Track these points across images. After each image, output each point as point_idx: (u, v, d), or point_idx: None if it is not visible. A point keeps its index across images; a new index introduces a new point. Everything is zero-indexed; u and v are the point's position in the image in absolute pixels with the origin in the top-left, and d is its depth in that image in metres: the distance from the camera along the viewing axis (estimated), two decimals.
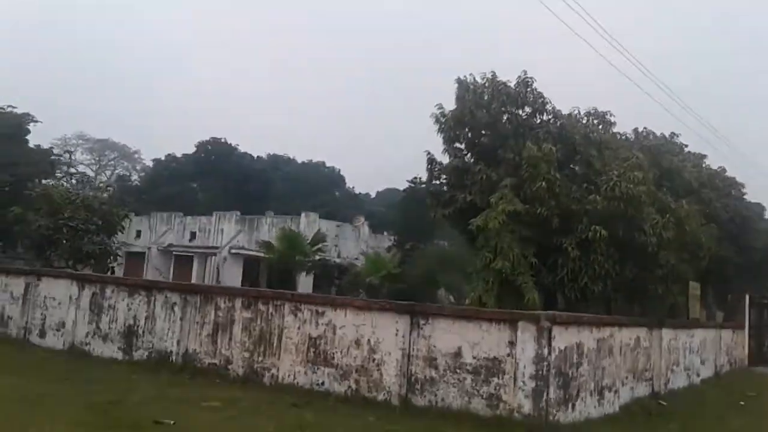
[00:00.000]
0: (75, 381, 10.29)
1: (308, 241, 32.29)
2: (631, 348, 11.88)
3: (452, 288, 31.32)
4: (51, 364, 11.89)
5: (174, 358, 11.99)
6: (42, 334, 14.23)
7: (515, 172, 13.15)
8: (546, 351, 8.57)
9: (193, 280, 34.17)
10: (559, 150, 13.37)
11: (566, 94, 16.12)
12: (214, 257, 37.88)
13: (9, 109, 36.46)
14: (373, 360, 9.76)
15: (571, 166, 14.44)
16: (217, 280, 34.04)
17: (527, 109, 14.42)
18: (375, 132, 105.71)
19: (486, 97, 14.25)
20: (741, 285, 27.08)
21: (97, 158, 66.75)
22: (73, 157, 51.77)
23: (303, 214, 39.13)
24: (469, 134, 14.46)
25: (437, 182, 15.20)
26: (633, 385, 11.98)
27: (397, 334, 9.62)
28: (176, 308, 12.21)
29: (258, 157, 64.20)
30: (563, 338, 9.06)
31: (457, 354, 9.14)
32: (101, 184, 20.09)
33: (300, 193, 61.44)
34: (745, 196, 26.55)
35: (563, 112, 14.72)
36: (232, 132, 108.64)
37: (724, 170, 25.18)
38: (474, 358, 9.01)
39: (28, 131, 39.18)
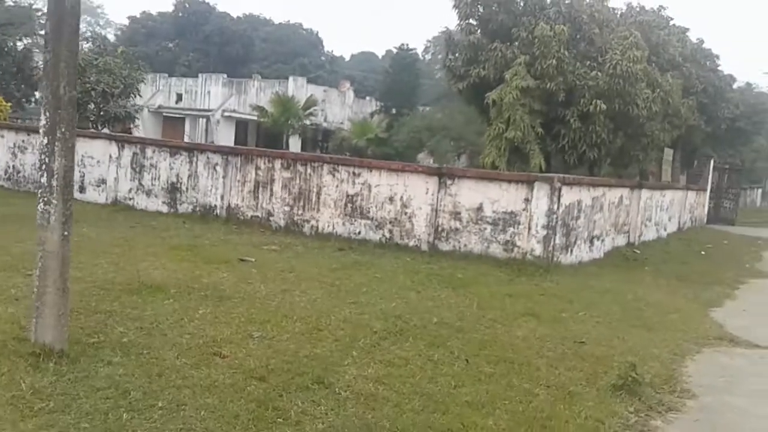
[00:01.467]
0: (145, 227, 11.86)
1: (300, 106, 33.21)
2: (616, 205, 13.85)
3: (438, 151, 33.02)
4: (107, 215, 13.30)
5: (218, 211, 13.57)
6: (82, 189, 15.50)
7: (528, 50, 14.37)
8: (556, 206, 10.38)
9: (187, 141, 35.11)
10: (567, 29, 14.56)
11: None
12: (203, 119, 38.60)
13: None
14: (405, 213, 11.50)
15: (577, 43, 15.68)
16: (210, 141, 35.03)
17: None
18: None
19: None
20: (707, 151, 29.35)
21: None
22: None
23: (291, 79, 39.59)
24: (482, 11, 15.43)
25: (452, 57, 16.27)
26: (614, 236, 14.08)
27: (427, 193, 11.31)
28: (218, 168, 13.62)
29: (237, 17, 62.67)
30: (568, 196, 10.87)
31: (479, 209, 10.92)
32: (120, 49, 20.32)
33: (280, 54, 60.92)
34: (719, 68, 28.11)
35: None
36: None
37: (702, 42, 26.51)
38: (494, 212, 10.80)
39: None
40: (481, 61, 15.11)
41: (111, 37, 60.45)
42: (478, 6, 15.41)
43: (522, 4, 15.37)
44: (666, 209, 18.50)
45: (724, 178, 28.46)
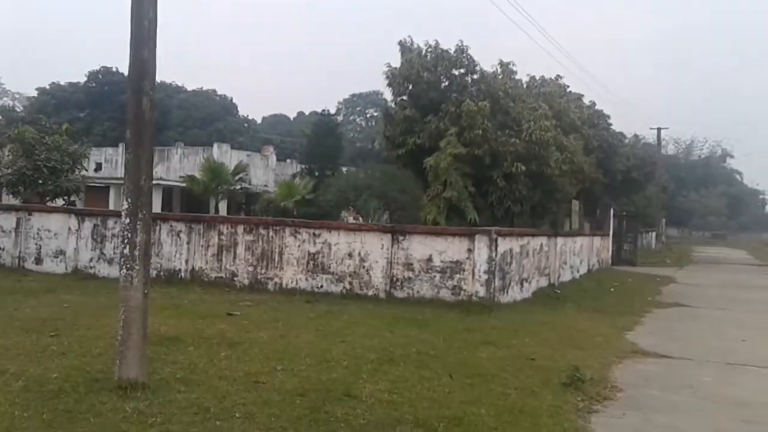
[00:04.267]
0: (115, 294, 12.75)
1: (231, 171, 34.33)
2: (538, 251, 15.98)
3: (364, 210, 34.81)
4: (74, 284, 14.00)
5: (183, 274, 14.62)
6: (38, 261, 16.17)
7: (456, 122, 16.64)
8: (494, 254, 12.27)
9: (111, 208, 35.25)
10: (488, 103, 16.98)
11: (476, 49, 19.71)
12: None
13: None
14: (363, 267, 13.07)
15: (495, 114, 18.18)
16: None
17: (462, 70, 17.89)
18: (258, 58, 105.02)
19: (430, 60, 17.57)
20: (606, 200, 32.73)
21: None
22: None
23: (216, 145, 40.76)
24: (411, 89, 17.76)
25: (390, 128, 18.36)
26: (538, 278, 16.16)
27: (382, 248, 12.95)
28: (182, 234, 14.75)
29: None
30: (503, 245, 12.81)
31: (429, 259, 12.65)
32: (64, 126, 20.98)
33: (196, 120, 61.84)
34: (611, 126, 31.79)
35: (487, 71, 18.36)
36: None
37: (594, 104, 30.06)
38: (441, 261, 12.55)
39: None
40: (416, 132, 17.27)
41: (18, 107, 59.71)
42: (408, 85, 17.68)
43: (447, 83, 17.81)
44: (578, 254, 20.96)
45: (623, 224, 31.74)
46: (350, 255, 13.18)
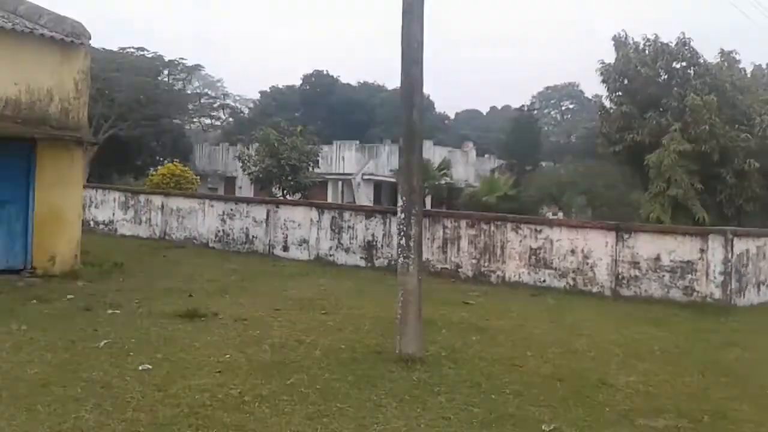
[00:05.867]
0: (357, 279, 14.20)
1: (435, 167, 35.79)
2: None
3: (567, 206, 34.42)
4: (318, 270, 15.71)
5: None
6: (285, 248, 18.32)
7: (680, 117, 16.18)
8: (730, 255, 11.88)
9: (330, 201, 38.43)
10: (714, 97, 16.27)
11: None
12: (340, 182, 41.98)
13: (141, 53, 40.90)
14: (587, 263, 13.30)
15: (722, 109, 17.33)
16: (353, 200, 38.25)
17: (683, 63, 17.31)
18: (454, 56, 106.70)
19: (648, 54, 17.24)
20: None
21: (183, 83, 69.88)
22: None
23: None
24: (626, 83, 17.53)
25: (606, 125, 18.29)
26: None
27: (606, 245, 13.08)
28: None
29: (355, 86, 67.54)
30: (738, 245, 12.32)
31: (657, 259, 12.56)
32: (299, 128, 23.78)
33: (398, 118, 64.62)
34: None
35: (710, 62, 17.54)
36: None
37: None
38: (671, 261, 12.41)
39: (160, 71, 43.78)
40: (635, 128, 16.99)
41: (245, 110, 66.81)
42: (624, 81, 17.42)
43: (666, 77, 17.33)
44: None
45: None
46: (573, 251, 13.47)
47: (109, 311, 9.23)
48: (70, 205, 11.78)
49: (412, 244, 7.18)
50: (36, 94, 10.96)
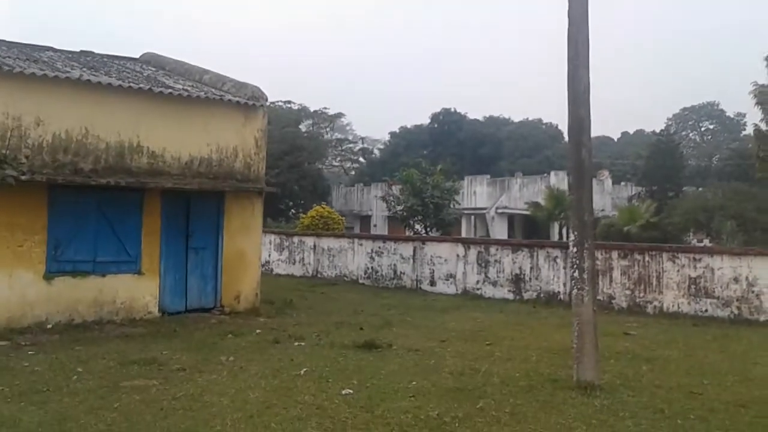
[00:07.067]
0: (509, 312, 14.55)
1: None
2: None
3: (716, 232, 32.70)
4: (467, 303, 16.21)
5: (561, 297, 15.98)
6: (432, 283, 19.04)
7: None
8: None
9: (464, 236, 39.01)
10: None
11: None
12: (473, 216, 42.46)
13: (287, 105, 44.00)
14: (752, 291, 12.89)
15: None
16: (487, 234, 38.56)
17: None
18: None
19: None
20: None
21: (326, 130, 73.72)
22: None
23: (552, 173, 42.17)
24: None
25: (762, 149, 17.66)
26: None
27: None
28: (558, 260, 16.19)
29: (483, 118, 68.26)
30: None
31: None
32: (439, 166, 24.94)
33: (524, 150, 64.42)
34: None
35: None
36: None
37: None
38: None
39: (301, 120, 46.71)
40: None
41: (376, 151, 69.45)
42: None
43: None
44: None
45: None
46: (736, 279, 13.11)
47: (296, 343, 10.27)
48: (252, 249, 13.19)
49: (585, 276, 7.60)
50: (224, 152, 12.51)
